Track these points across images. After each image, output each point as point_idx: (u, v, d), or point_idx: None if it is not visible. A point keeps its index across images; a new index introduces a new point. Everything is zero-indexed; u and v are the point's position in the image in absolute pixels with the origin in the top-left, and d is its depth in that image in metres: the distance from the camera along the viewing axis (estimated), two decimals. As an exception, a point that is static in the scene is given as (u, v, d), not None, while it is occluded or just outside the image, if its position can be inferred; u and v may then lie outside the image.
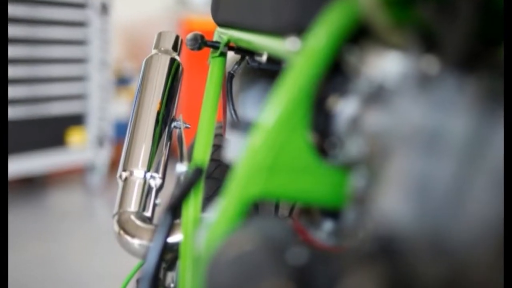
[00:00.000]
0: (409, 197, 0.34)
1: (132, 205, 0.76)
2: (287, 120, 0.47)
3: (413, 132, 0.36)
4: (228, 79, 0.86)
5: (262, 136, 0.47)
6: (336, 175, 0.48)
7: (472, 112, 0.33)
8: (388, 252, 0.35)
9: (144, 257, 0.71)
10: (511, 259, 0.30)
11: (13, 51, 2.53)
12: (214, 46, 0.84)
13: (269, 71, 0.84)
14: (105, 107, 2.93)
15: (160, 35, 0.93)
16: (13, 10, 2.52)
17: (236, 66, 0.86)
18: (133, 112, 0.85)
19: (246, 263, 0.41)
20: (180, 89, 0.90)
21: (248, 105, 0.87)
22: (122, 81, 3.41)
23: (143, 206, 0.77)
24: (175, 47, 0.92)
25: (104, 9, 2.84)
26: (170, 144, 0.85)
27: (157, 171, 0.80)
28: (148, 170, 0.79)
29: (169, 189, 0.89)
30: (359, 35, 0.45)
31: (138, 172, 0.79)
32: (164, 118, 0.84)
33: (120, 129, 3.05)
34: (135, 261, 0.78)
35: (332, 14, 0.45)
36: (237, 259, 0.41)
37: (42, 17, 2.65)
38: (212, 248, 0.46)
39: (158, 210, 0.77)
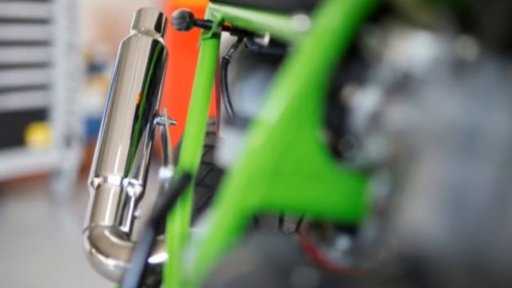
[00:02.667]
0: (442, 208, 0.34)
1: (106, 218, 0.76)
2: (293, 115, 0.47)
3: (446, 130, 0.36)
4: (222, 66, 0.86)
5: (264, 135, 0.47)
6: (353, 182, 0.48)
7: (517, 105, 0.33)
8: (416, 275, 0.35)
9: (120, 281, 0.71)
10: None
11: (-38, 31, 2.53)
12: (205, 25, 0.84)
13: (271, 56, 0.84)
14: (74, 99, 2.93)
15: (140, 12, 0.93)
16: (-38, -18, 2.52)
17: (231, 50, 0.86)
18: (107, 105, 0.85)
19: (245, 287, 0.41)
20: (164, 77, 0.90)
21: (247, 97, 0.87)
22: (94, 68, 3.41)
23: (119, 219, 0.77)
24: (158, 27, 0.92)
25: (72, -19, 2.84)
26: (152, 144, 0.85)
27: (136, 176, 0.80)
28: (126, 175, 0.79)
29: (151, 199, 0.89)
30: (380, 12, 0.45)
31: (114, 178, 0.79)
32: (145, 113, 0.84)
33: (92, 126, 3.05)
34: (110, 285, 0.78)
35: (348, -13, 0.45)
36: (234, 282, 0.41)
37: (-3, -9, 2.65)
38: (203, 270, 0.46)
39: (138, 224, 0.77)
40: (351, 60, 0.46)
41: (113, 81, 0.86)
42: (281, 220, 0.91)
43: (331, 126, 0.47)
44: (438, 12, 0.40)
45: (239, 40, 0.86)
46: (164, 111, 0.87)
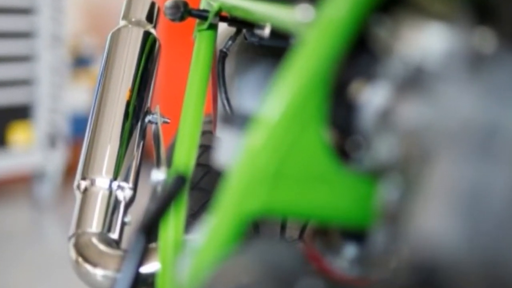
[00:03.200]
0: (458, 214, 0.34)
1: (94, 224, 0.76)
2: (296, 113, 0.47)
3: (462, 129, 0.36)
4: (219, 59, 0.86)
5: (264, 134, 0.47)
6: (361, 185, 0.48)
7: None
8: (429, 286, 0.35)
9: (109, 292, 0.71)
10: None
11: None
12: (201, 16, 0.84)
13: (273, 49, 0.84)
14: (59, 95, 2.93)
15: (130, 1, 0.93)
16: None
17: (230, 42, 0.87)
18: (95, 102, 0.85)
19: (244, 300, 0.41)
20: (156, 72, 0.90)
21: (246, 93, 0.87)
22: (80, 62, 3.41)
23: (108, 225, 0.77)
24: (150, 18, 0.92)
25: (57, -33, 2.84)
26: (143, 144, 0.85)
27: (126, 179, 0.80)
28: (115, 178, 0.79)
29: (142, 203, 0.89)
30: (391, 1, 0.45)
31: (102, 181, 0.79)
32: (136, 111, 0.84)
33: (78, 125, 3.05)
34: (98, 297, 0.78)
35: (356, -26, 0.45)
36: (232, 295, 0.41)
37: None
38: (198, 281, 0.46)
39: (128, 230, 0.77)
40: (359, 53, 0.46)
41: (101, 76, 0.86)
42: (283, 227, 0.91)
43: (337, 124, 0.47)
44: (453, 1, 0.40)
45: (238, 32, 0.86)
46: (157, 109, 0.87)
